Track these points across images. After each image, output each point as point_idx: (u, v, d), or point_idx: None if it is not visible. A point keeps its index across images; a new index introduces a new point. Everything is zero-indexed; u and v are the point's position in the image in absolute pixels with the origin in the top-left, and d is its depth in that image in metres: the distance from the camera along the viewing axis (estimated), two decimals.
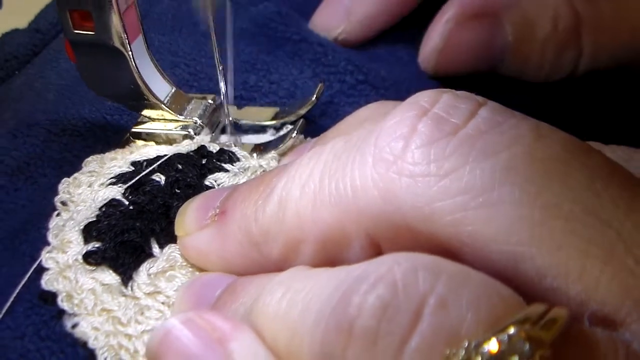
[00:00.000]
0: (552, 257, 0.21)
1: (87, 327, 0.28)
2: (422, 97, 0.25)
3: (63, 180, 0.33)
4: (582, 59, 0.39)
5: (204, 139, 0.35)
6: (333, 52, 0.41)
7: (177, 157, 0.33)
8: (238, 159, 0.34)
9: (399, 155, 0.23)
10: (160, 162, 0.33)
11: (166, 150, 0.34)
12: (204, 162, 0.33)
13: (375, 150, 0.24)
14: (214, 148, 0.34)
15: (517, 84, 0.41)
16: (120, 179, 0.32)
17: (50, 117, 0.39)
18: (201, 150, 0.34)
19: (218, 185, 0.32)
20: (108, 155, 0.34)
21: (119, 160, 0.34)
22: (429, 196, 0.23)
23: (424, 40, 0.41)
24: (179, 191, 0.32)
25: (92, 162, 0.34)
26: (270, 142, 0.36)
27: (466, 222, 0.22)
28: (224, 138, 0.36)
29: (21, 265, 0.30)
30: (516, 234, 0.22)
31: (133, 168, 0.33)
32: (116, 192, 0.32)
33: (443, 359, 0.19)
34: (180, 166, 0.33)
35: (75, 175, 0.33)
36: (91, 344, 0.28)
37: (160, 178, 0.32)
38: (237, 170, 0.33)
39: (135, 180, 0.32)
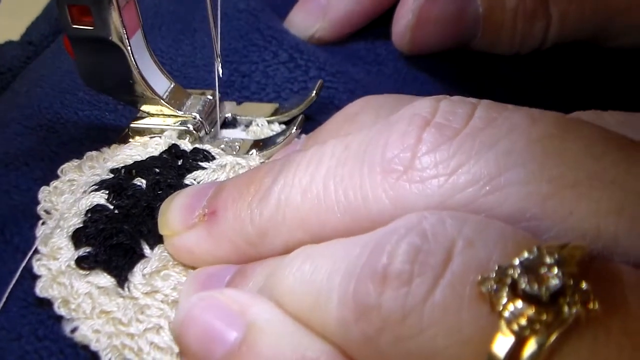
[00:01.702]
0: (567, 223, 0.22)
1: (88, 330, 0.28)
2: (423, 108, 0.26)
3: (42, 188, 0.33)
4: (551, 29, 0.40)
5: (172, 135, 0.35)
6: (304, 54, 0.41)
7: (152, 160, 0.33)
8: (213, 157, 0.34)
9: (408, 165, 0.24)
10: (138, 167, 0.33)
11: (139, 154, 0.34)
12: (180, 163, 0.33)
13: (384, 162, 0.25)
14: (186, 146, 0.34)
15: (490, 60, 0.42)
16: (102, 185, 0.32)
17: (25, 112, 0.39)
18: (173, 150, 0.34)
19: (198, 183, 0.32)
20: (85, 162, 0.34)
21: (97, 169, 0.34)
22: (440, 195, 0.24)
23: (395, 18, 0.41)
24: (161, 192, 0.32)
25: (70, 171, 0.34)
26: (270, 138, 0.36)
27: (480, 210, 0.23)
28: (223, 133, 0.36)
29: (14, 262, 0.30)
30: (529, 209, 0.23)
31: (112, 175, 0.33)
32: (100, 197, 0.32)
33: (475, 285, 0.21)
34: (157, 169, 0.33)
35: (56, 184, 0.33)
36: (94, 346, 0.28)
37: (141, 182, 0.32)
38: (215, 167, 0.33)
39: (118, 185, 0.32)
